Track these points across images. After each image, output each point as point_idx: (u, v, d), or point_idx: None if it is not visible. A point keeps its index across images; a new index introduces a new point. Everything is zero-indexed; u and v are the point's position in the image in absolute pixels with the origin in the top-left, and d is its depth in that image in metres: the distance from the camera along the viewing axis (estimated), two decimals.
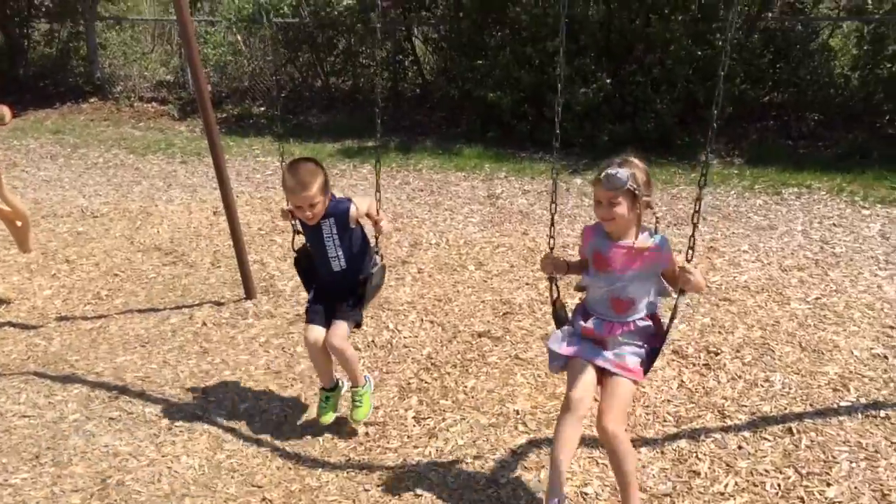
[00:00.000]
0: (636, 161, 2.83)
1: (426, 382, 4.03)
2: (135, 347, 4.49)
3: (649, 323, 2.90)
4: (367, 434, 3.63)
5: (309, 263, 3.66)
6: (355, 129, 9.88)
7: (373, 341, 4.48)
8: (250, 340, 4.57)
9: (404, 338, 4.51)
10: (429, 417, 3.73)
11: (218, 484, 3.28)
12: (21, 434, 3.65)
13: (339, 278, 3.52)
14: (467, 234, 6.17)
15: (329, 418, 3.64)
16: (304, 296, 5.11)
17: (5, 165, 6.09)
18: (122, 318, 4.89)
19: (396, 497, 3.17)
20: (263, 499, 3.19)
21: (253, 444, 3.58)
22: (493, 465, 3.35)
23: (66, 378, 4.13)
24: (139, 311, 4.99)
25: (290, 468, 3.39)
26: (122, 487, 3.23)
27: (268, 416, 3.79)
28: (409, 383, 4.04)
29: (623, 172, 2.74)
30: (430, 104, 10.65)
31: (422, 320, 4.72)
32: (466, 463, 3.37)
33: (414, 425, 3.69)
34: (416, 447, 3.52)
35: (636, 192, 2.74)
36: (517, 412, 3.72)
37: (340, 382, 3.76)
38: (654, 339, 2.92)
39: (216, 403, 3.90)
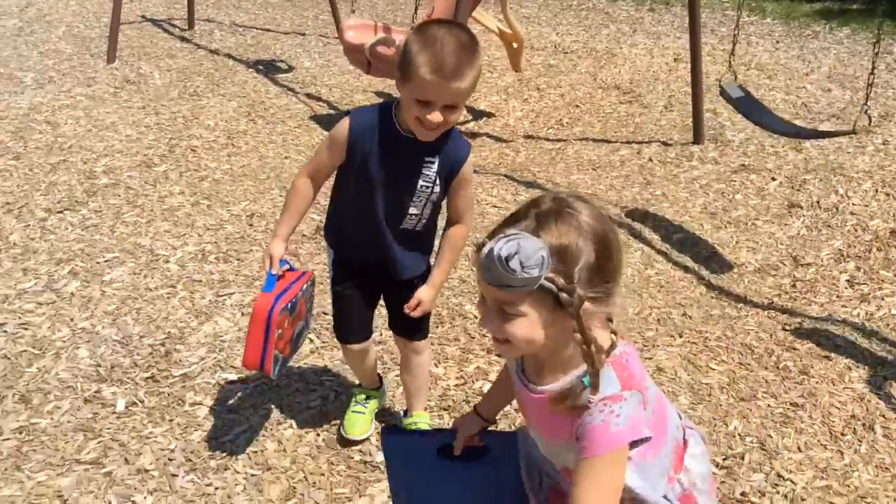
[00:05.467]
0: (574, 209, 1.39)
1: (868, 252, 3.88)
2: (587, 169, 4.99)
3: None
4: (793, 286, 3.68)
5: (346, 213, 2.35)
6: None
7: (818, 202, 4.37)
8: (692, 181, 4.77)
9: (853, 204, 4.32)
10: (864, 283, 3.63)
11: (645, 294, 3.65)
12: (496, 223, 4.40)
13: (397, 242, 2.30)
14: None
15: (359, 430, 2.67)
16: (752, 148, 5.15)
17: None
18: (579, 143, 5.41)
19: (818, 346, 3.23)
20: (683, 314, 3.49)
21: (680, 269, 3.87)
22: None
23: (528, 184, 4.79)
24: (594, 140, 5.46)
25: (713, 297, 3.63)
26: None
27: (699, 250, 4.03)
28: (848, 249, 3.92)
29: (527, 247, 1.31)
30: None
31: (876, 191, 4.44)
32: None
33: (846, 288, 3.63)
34: (843, 307, 3.49)
35: (558, 290, 1.35)
36: None
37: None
38: None
39: (652, 227, 4.24)
